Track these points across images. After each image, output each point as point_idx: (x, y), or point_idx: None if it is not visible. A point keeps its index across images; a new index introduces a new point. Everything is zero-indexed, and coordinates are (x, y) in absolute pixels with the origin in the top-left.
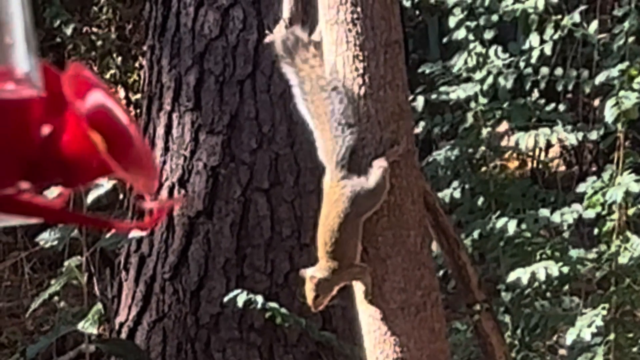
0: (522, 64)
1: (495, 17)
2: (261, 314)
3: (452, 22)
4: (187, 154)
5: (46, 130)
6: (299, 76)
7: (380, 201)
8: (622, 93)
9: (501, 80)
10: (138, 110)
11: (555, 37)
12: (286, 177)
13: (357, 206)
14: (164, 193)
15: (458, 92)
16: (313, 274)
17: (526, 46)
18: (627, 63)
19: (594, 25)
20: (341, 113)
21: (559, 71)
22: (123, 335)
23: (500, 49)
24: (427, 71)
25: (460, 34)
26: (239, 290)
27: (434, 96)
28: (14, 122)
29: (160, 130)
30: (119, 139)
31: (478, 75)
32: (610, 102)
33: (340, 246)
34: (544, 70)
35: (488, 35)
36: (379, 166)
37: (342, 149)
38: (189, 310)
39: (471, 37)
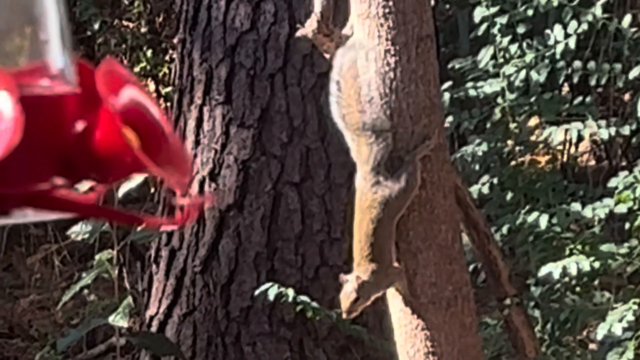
0: (557, 56)
1: (530, 11)
2: (292, 307)
3: (477, 16)
4: (218, 148)
5: (80, 126)
6: (342, 75)
7: (411, 197)
8: None
9: (533, 74)
10: (168, 104)
11: (580, 30)
12: (317, 171)
13: (389, 210)
14: (195, 187)
15: (484, 88)
16: (357, 275)
17: (551, 41)
18: None
19: (627, 19)
20: (375, 122)
21: (591, 65)
22: (153, 329)
23: (525, 43)
24: (457, 66)
25: (484, 28)
26: (269, 284)
27: (460, 93)
28: (49, 119)
29: (191, 124)
30: (152, 135)
31: (506, 70)
32: None
33: (377, 250)
34: (577, 63)
35: (520, 29)
36: (410, 162)
37: (377, 156)
38: (219, 303)
39: (496, 31)
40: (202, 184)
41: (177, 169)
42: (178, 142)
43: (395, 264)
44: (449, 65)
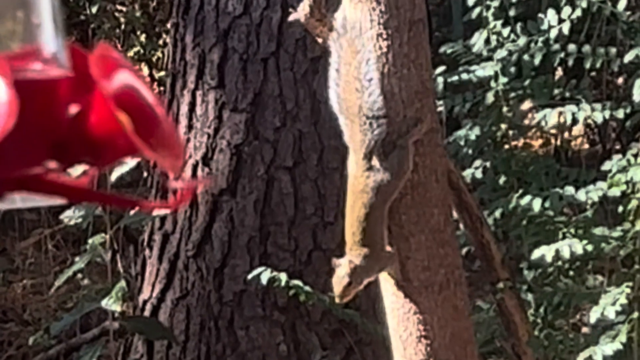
0: (551, 41)
1: None
2: (285, 291)
3: (470, 0)
4: (211, 132)
5: (73, 110)
6: (340, 56)
7: (403, 182)
8: None
9: (526, 57)
10: (162, 88)
11: (574, 16)
12: (310, 155)
13: (381, 194)
14: (188, 171)
15: (477, 72)
16: (349, 259)
17: (545, 26)
18: None
19: (622, 2)
20: (372, 106)
21: (586, 48)
22: (147, 313)
23: (519, 27)
24: (449, 51)
25: (477, 12)
26: (262, 268)
27: (453, 77)
28: (42, 102)
29: (184, 108)
30: (145, 119)
31: (499, 54)
32: (638, 81)
33: (369, 234)
34: (572, 47)
35: (513, 13)
36: (402, 146)
37: (370, 142)
38: (212, 287)
39: (489, 15)
40: (195, 169)
41: (170, 152)
42: (171, 125)
43: (388, 248)
44: (442, 50)
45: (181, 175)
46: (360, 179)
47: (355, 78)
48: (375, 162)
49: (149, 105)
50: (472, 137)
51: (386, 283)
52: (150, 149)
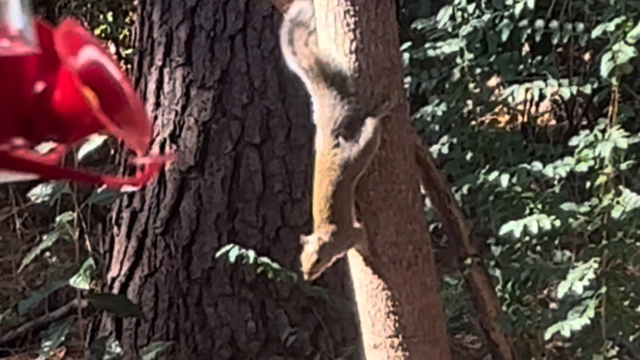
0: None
1: None
2: (253, 269)
3: None
4: (179, 109)
5: (40, 87)
6: (302, 67)
7: (370, 159)
8: (616, 47)
9: (491, 34)
10: (129, 66)
11: None
12: (277, 132)
13: (349, 171)
14: (156, 149)
15: (443, 48)
16: (318, 236)
17: (509, 1)
18: (623, 17)
19: None
20: (340, 84)
21: (553, 24)
22: (115, 290)
23: (483, 3)
24: (419, 27)
25: None
26: (230, 245)
27: (420, 53)
28: (8, 79)
29: (152, 86)
30: (111, 95)
31: (464, 30)
32: (606, 57)
33: (337, 211)
34: (539, 23)
35: None
36: (370, 123)
37: (338, 119)
38: (180, 265)
39: None
40: (162, 146)
41: (137, 128)
42: (138, 102)
43: (356, 224)
44: (412, 27)
45: (148, 151)
46: (328, 157)
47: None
48: (342, 139)
49: (115, 81)
50: (439, 113)
51: (355, 259)
52: (116, 125)
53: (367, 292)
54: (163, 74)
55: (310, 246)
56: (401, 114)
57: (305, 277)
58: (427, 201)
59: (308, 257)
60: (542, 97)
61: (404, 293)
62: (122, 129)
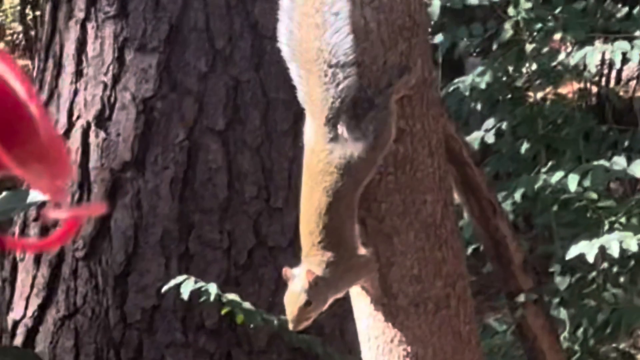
0: None
1: None
2: (215, 308)
3: None
4: (109, 81)
5: None
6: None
7: (382, 156)
8: None
9: None
10: (39, 20)
11: None
12: (249, 113)
13: (350, 176)
14: (76, 136)
15: None
16: (308, 269)
17: None
18: None
19: None
20: (337, 48)
21: None
22: (18, 340)
23: None
24: None
25: None
26: (183, 276)
27: (456, 1)
28: None
29: (70, 47)
30: (13, 121)
31: None
32: None
33: (334, 232)
34: None
35: None
36: (381, 105)
37: (335, 101)
38: (112, 303)
39: None
40: (85, 134)
41: (49, 167)
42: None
43: (362, 251)
44: None
45: (64, 200)
46: (321, 155)
47: (315, 9)
48: (341, 129)
49: (18, 101)
50: (482, 85)
51: (360, 300)
52: (19, 162)
53: (378, 346)
54: (86, 30)
55: (298, 282)
56: (426, 92)
57: (291, 326)
58: (464, 213)
59: (294, 298)
60: (625, 61)
61: (430, 347)
62: (27, 168)
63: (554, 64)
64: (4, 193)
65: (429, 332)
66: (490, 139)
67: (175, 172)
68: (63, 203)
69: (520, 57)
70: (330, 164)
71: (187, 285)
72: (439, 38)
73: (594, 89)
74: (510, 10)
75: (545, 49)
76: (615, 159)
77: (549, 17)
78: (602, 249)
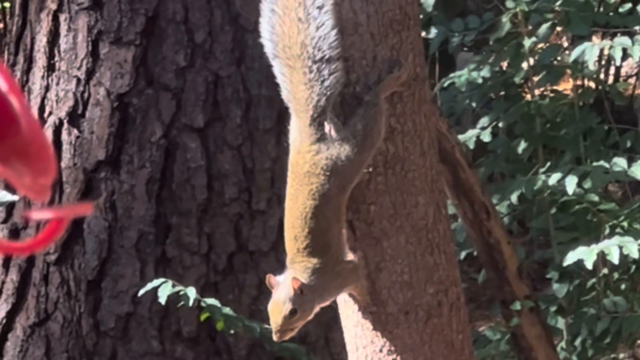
0: None
1: None
2: (193, 315)
3: None
4: (82, 76)
5: None
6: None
7: (370, 156)
8: None
9: None
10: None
11: None
12: (230, 111)
13: (338, 178)
14: (48, 134)
15: None
16: (293, 276)
17: None
18: None
19: None
20: (322, 42)
21: None
22: None
23: None
24: None
25: None
26: (159, 280)
27: None
28: None
29: (42, 40)
30: None
31: None
32: None
33: (320, 237)
34: None
35: None
36: (370, 103)
37: (320, 98)
38: (84, 309)
39: None
40: (57, 131)
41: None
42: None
43: (350, 256)
44: None
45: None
46: (307, 155)
47: (297, 2)
48: (328, 129)
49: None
50: (479, 81)
51: (348, 308)
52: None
53: (366, 355)
54: (59, 21)
55: (282, 291)
56: (418, 89)
57: (275, 336)
58: (457, 217)
59: (279, 307)
60: (624, 57)
61: (421, 358)
62: (7, 165)
63: (552, 59)
64: None
65: (419, 341)
66: (485, 137)
67: (151, 172)
68: (46, 202)
69: (518, 51)
70: (317, 165)
71: (165, 289)
72: (432, 32)
73: (592, 86)
74: (509, 3)
75: (545, 44)
76: (616, 159)
77: (549, 10)
78: (602, 255)
